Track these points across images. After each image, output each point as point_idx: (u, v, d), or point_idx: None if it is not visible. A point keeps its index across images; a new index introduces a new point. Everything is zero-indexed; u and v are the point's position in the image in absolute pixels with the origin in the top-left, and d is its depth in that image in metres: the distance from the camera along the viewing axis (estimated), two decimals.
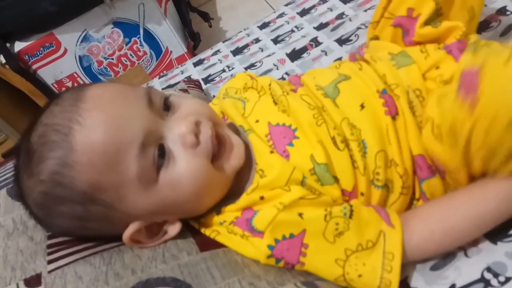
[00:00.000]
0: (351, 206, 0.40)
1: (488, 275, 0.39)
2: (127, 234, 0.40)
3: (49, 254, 0.42)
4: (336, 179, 0.42)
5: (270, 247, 0.39)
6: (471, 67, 0.37)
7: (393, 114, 0.45)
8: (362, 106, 0.45)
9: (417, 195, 0.45)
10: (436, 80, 0.46)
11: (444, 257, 0.41)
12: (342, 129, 0.44)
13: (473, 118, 0.36)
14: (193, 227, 0.45)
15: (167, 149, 0.40)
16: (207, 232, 0.43)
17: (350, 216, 0.40)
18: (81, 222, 0.40)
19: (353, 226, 0.39)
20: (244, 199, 0.42)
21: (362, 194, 0.43)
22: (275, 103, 0.48)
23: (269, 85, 0.50)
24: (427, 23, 0.50)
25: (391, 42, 0.54)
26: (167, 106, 0.43)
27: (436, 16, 0.50)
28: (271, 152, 0.44)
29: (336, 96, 0.46)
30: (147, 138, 0.39)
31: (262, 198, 0.41)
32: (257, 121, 0.47)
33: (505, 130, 0.35)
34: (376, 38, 0.56)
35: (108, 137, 0.37)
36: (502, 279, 0.38)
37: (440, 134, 0.40)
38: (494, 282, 0.38)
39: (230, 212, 0.43)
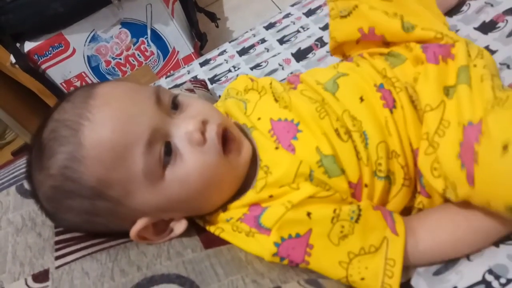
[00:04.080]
0: (359, 209, 0.40)
1: (489, 277, 0.39)
2: (134, 230, 0.41)
3: (57, 250, 0.42)
4: (342, 171, 0.43)
5: (276, 244, 0.39)
6: (473, 124, 0.38)
7: (391, 107, 0.45)
8: (362, 99, 0.46)
9: (418, 188, 0.45)
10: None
11: (447, 263, 0.41)
12: (344, 120, 0.44)
13: (471, 191, 0.37)
14: (197, 224, 0.45)
15: (174, 146, 0.40)
16: (211, 229, 0.44)
17: (357, 221, 0.40)
18: (89, 217, 0.41)
19: (358, 231, 0.40)
20: (251, 196, 0.43)
21: (366, 185, 0.43)
22: (276, 101, 0.49)
23: (270, 84, 0.51)
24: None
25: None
26: (175, 105, 0.43)
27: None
28: (276, 148, 0.44)
29: (335, 91, 0.47)
30: (153, 135, 0.39)
31: (271, 196, 0.42)
32: (259, 118, 0.47)
33: (504, 211, 0.35)
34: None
35: (116, 133, 0.38)
36: (503, 281, 0.38)
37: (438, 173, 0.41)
38: (495, 284, 0.38)
39: (237, 208, 0.43)
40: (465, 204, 0.40)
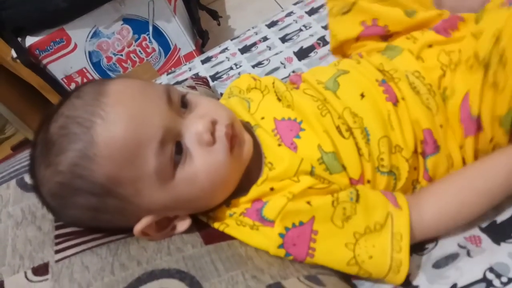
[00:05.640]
0: (357, 190, 0.41)
1: (490, 276, 0.39)
2: (138, 227, 0.41)
3: (57, 244, 0.42)
4: (343, 167, 0.43)
5: (281, 235, 0.40)
6: None
7: (394, 101, 0.46)
8: (362, 96, 0.46)
9: (420, 174, 0.46)
10: (445, 53, 0.47)
11: (447, 256, 0.41)
12: (345, 118, 0.45)
13: None
14: (198, 220, 0.45)
15: (184, 146, 0.41)
16: (215, 225, 0.44)
17: (357, 200, 0.41)
18: (95, 214, 0.41)
19: (360, 210, 0.40)
20: (254, 191, 0.43)
21: (368, 181, 0.44)
22: (279, 100, 0.49)
23: (273, 83, 0.51)
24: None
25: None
26: (184, 104, 0.43)
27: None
28: (279, 145, 0.44)
29: (336, 89, 0.48)
30: (166, 135, 0.39)
31: (272, 189, 0.42)
32: (262, 118, 0.48)
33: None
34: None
35: (129, 132, 0.38)
36: (504, 279, 0.38)
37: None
38: (496, 282, 0.38)
39: (241, 204, 0.43)
40: (467, 168, 0.42)
